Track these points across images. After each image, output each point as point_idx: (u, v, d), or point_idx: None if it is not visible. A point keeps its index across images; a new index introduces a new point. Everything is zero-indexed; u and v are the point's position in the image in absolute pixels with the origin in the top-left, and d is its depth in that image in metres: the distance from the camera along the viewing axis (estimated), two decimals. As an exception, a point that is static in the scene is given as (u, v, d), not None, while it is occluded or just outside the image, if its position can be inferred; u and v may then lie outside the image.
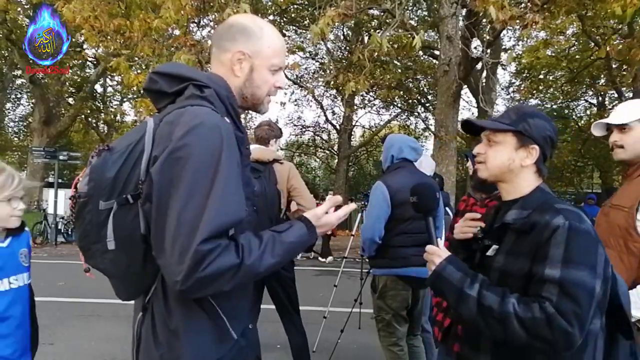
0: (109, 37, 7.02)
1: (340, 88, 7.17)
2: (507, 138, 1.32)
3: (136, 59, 6.96)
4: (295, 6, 13.53)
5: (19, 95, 28.40)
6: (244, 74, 1.24)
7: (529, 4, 5.42)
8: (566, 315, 1.10)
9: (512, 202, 1.34)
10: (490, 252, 1.31)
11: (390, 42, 6.55)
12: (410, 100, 19.14)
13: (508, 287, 1.22)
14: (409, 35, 5.53)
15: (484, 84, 13.08)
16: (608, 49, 7.54)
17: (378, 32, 7.38)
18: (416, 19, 16.37)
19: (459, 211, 2.50)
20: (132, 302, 1.27)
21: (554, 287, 1.13)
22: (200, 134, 1.05)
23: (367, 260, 5.12)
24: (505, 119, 1.35)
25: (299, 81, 19.87)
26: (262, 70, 1.25)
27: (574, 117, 21.19)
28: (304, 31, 14.88)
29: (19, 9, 16.13)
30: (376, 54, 5.96)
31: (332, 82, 11.26)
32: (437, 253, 1.33)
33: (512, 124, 1.32)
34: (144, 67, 7.55)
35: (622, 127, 1.82)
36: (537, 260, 1.18)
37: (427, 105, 19.52)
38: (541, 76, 18.75)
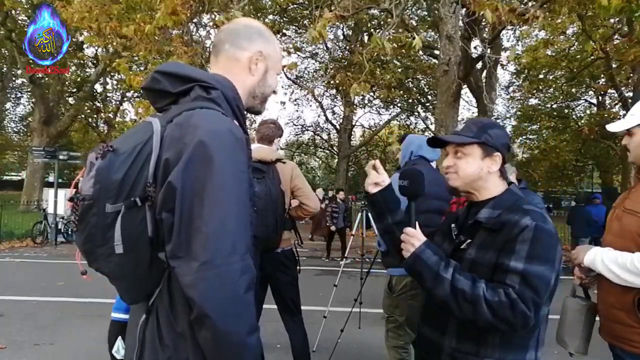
0: (108, 38, 7.02)
1: (340, 88, 7.22)
2: (473, 150, 1.46)
3: (136, 58, 6.97)
4: (295, 6, 13.50)
5: (19, 95, 28.41)
6: (259, 74, 1.29)
7: (530, 1, 5.43)
8: (526, 301, 1.26)
9: (484, 202, 1.47)
10: (463, 246, 1.44)
11: (391, 42, 6.55)
12: (410, 100, 19.14)
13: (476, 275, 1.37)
14: (409, 36, 5.56)
15: (484, 83, 13.05)
16: (607, 48, 7.51)
17: (378, 32, 7.38)
18: (416, 18, 16.36)
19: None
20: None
21: (517, 276, 1.28)
22: (219, 140, 1.05)
23: (367, 260, 5.14)
24: (468, 132, 1.47)
25: (298, 81, 19.86)
26: (272, 72, 1.32)
27: (573, 116, 21.17)
28: (303, 31, 14.87)
29: (19, 9, 16.08)
30: (376, 54, 5.95)
31: (331, 82, 11.27)
32: (417, 236, 1.44)
33: (475, 137, 1.45)
34: (143, 68, 7.55)
35: (629, 131, 1.81)
36: (504, 254, 1.32)
37: (427, 104, 19.52)
38: (541, 76, 18.73)
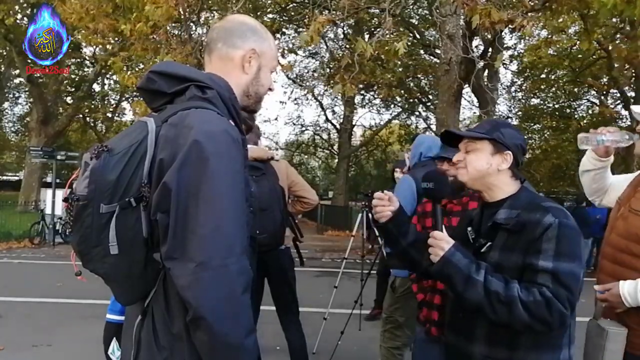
0: (105, 38, 7.01)
1: (331, 87, 7.26)
2: (483, 145, 1.47)
3: (133, 57, 6.94)
4: (295, 5, 13.45)
5: (16, 95, 28.33)
6: (252, 72, 1.27)
7: (521, 7, 5.46)
8: (562, 300, 1.25)
9: (499, 203, 1.45)
10: (484, 249, 1.42)
11: (384, 45, 6.63)
12: (411, 100, 19.08)
13: None
14: (395, 40, 5.63)
15: (485, 82, 12.99)
16: (609, 47, 7.49)
17: (378, 31, 7.34)
18: (417, 17, 16.31)
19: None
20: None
21: (548, 276, 1.27)
22: (214, 140, 1.04)
23: (368, 261, 5.09)
24: (481, 129, 1.50)
25: (298, 80, 19.80)
26: (266, 70, 1.30)
27: (576, 116, 21.12)
28: (303, 29, 14.80)
29: (17, 6, 16.00)
30: (377, 52, 5.94)
31: (331, 82, 11.20)
32: (445, 239, 1.39)
33: (487, 133, 1.46)
34: (140, 67, 7.52)
35: None
36: (531, 254, 1.31)
37: (428, 104, 19.45)
38: (543, 75, 18.68)
